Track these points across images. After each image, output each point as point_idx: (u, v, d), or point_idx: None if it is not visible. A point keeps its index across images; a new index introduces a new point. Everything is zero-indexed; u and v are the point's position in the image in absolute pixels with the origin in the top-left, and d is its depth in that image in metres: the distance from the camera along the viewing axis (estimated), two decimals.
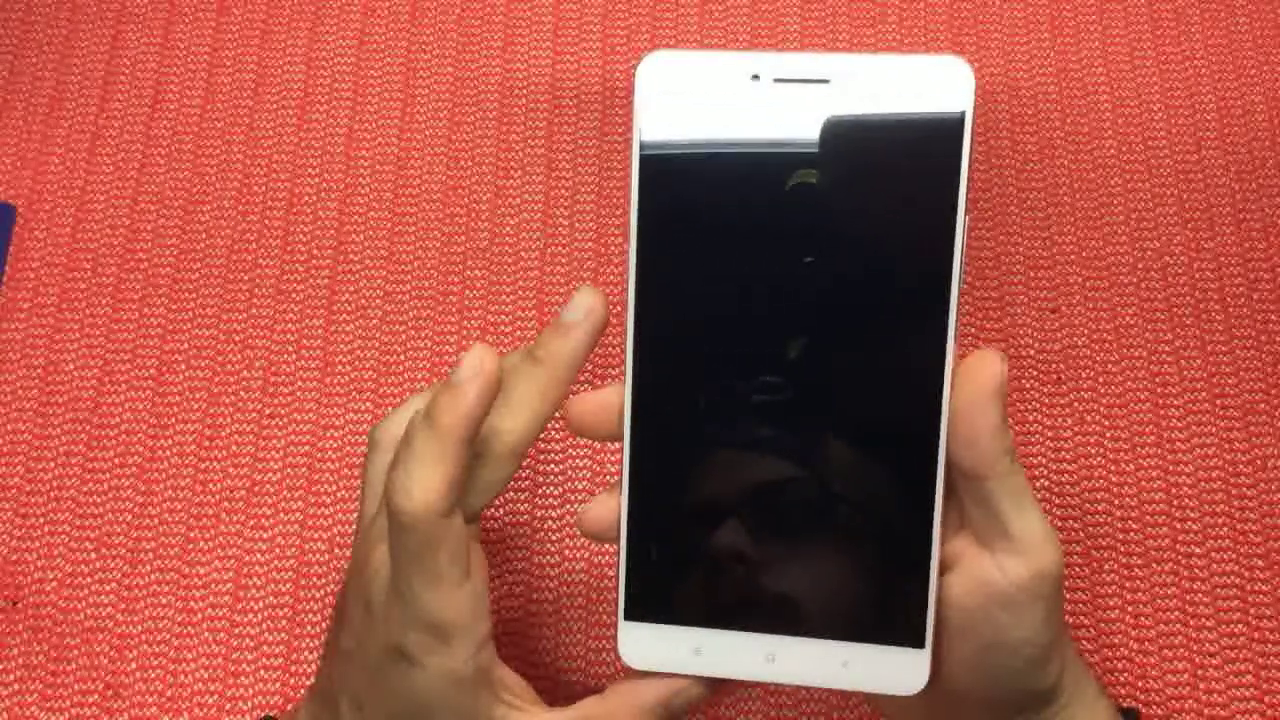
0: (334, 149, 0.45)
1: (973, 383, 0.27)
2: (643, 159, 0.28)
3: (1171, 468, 0.39)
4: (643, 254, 0.28)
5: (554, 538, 0.39)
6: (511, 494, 0.40)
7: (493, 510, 0.40)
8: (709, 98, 0.27)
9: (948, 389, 0.27)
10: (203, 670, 0.38)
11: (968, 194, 0.27)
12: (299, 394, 0.41)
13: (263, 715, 0.37)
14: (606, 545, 0.39)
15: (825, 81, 0.27)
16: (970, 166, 0.27)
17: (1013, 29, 0.45)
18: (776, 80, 0.27)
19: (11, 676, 0.38)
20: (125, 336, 0.42)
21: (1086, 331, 0.41)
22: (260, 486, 0.40)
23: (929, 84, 0.27)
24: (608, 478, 0.40)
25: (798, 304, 0.27)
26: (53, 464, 0.41)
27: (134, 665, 0.38)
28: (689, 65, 0.27)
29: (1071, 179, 0.43)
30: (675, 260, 0.28)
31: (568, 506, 0.40)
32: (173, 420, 0.41)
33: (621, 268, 0.43)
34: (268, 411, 0.41)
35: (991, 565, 0.27)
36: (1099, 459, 0.40)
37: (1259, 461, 0.39)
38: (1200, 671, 0.37)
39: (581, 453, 0.40)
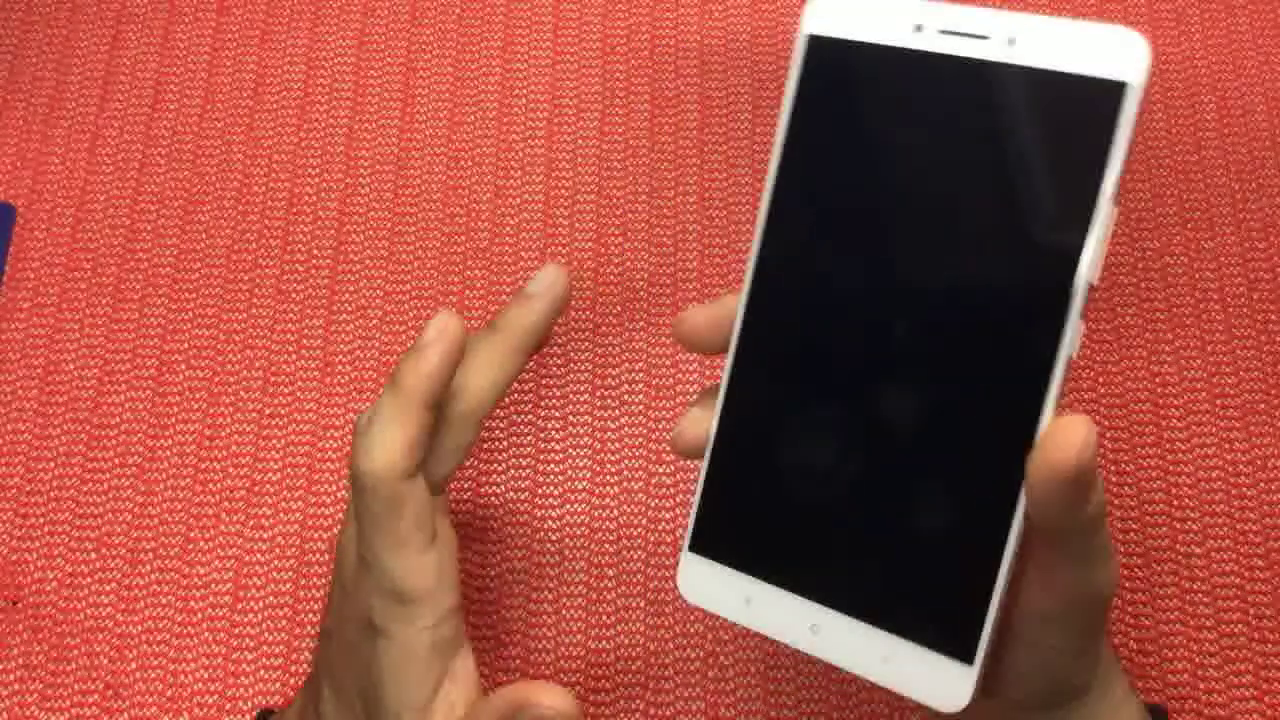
0: (334, 149, 0.45)
1: (1051, 454, 0.23)
2: (801, 84, 0.27)
3: (1171, 468, 0.39)
4: (783, 177, 0.28)
5: (554, 538, 0.39)
6: (511, 494, 0.40)
7: (492, 509, 0.40)
8: (871, 41, 0.27)
9: (1050, 405, 0.25)
10: (203, 670, 0.38)
11: (1119, 180, 0.25)
12: (299, 394, 0.41)
13: (260, 711, 0.37)
14: (605, 546, 0.39)
15: (986, 38, 0.26)
16: (1129, 150, 0.25)
17: None
18: (940, 32, 0.26)
19: (11, 676, 0.38)
20: (125, 336, 0.42)
21: (1086, 331, 0.41)
22: (260, 486, 0.40)
23: (1094, 53, 0.25)
24: (607, 477, 0.40)
25: (920, 262, 0.26)
26: (53, 464, 0.41)
27: (134, 665, 0.38)
28: (854, 9, 0.27)
29: None
30: (808, 195, 0.27)
31: (568, 507, 0.40)
32: (173, 420, 0.41)
33: (622, 267, 0.43)
34: (268, 411, 0.41)
35: (1035, 582, 0.26)
36: (1099, 459, 0.39)
37: (1259, 461, 0.39)
38: (1200, 671, 0.37)
39: (582, 453, 0.40)
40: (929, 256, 0.26)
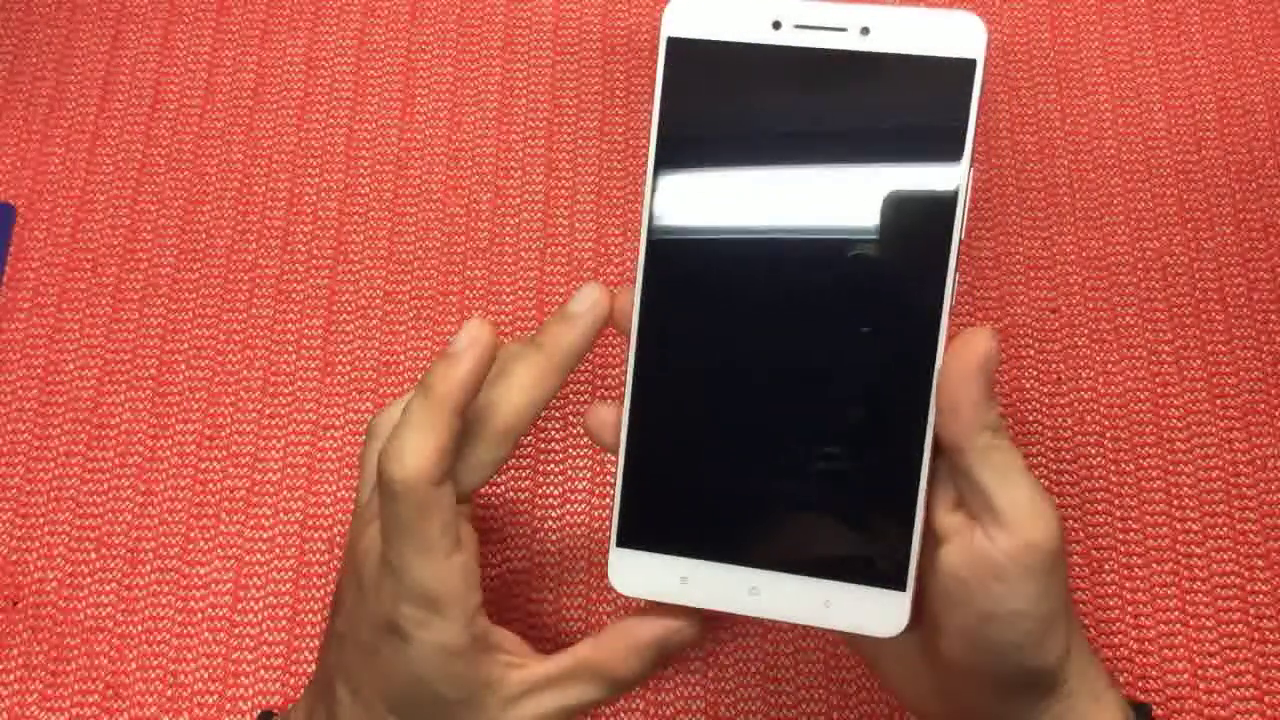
0: (334, 149, 0.45)
1: (959, 357, 0.27)
2: (666, 87, 0.29)
3: (1171, 468, 0.39)
4: (659, 174, 0.29)
5: (554, 538, 0.39)
6: (512, 494, 0.40)
7: (492, 510, 0.40)
8: (731, 40, 0.29)
9: (942, 341, 0.27)
10: (203, 670, 0.38)
11: (974, 148, 0.27)
12: (299, 394, 0.41)
13: (261, 712, 0.37)
14: (605, 546, 0.39)
15: (842, 30, 0.28)
16: (978, 122, 0.27)
17: (1013, 29, 0.45)
18: (797, 26, 0.28)
19: (11, 676, 0.38)
20: (125, 336, 0.42)
21: (1086, 331, 0.41)
22: (260, 486, 0.40)
23: (941, 35, 0.27)
24: (607, 477, 0.40)
25: (805, 240, 0.28)
26: (53, 464, 0.41)
27: (134, 665, 0.38)
28: (713, 9, 0.29)
29: (1071, 179, 0.43)
30: (687, 187, 0.29)
31: (568, 507, 0.40)
32: (173, 420, 0.41)
33: (622, 267, 0.43)
34: (268, 411, 0.41)
35: (982, 537, 0.27)
36: (1099, 459, 0.40)
37: (1259, 461, 0.39)
38: (1200, 671, 0.37)
39: (582, 453, 0.40)
40: (813, 233, 0.28)
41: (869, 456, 0.28)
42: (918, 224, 0.28)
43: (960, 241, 0.27)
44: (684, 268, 0.29)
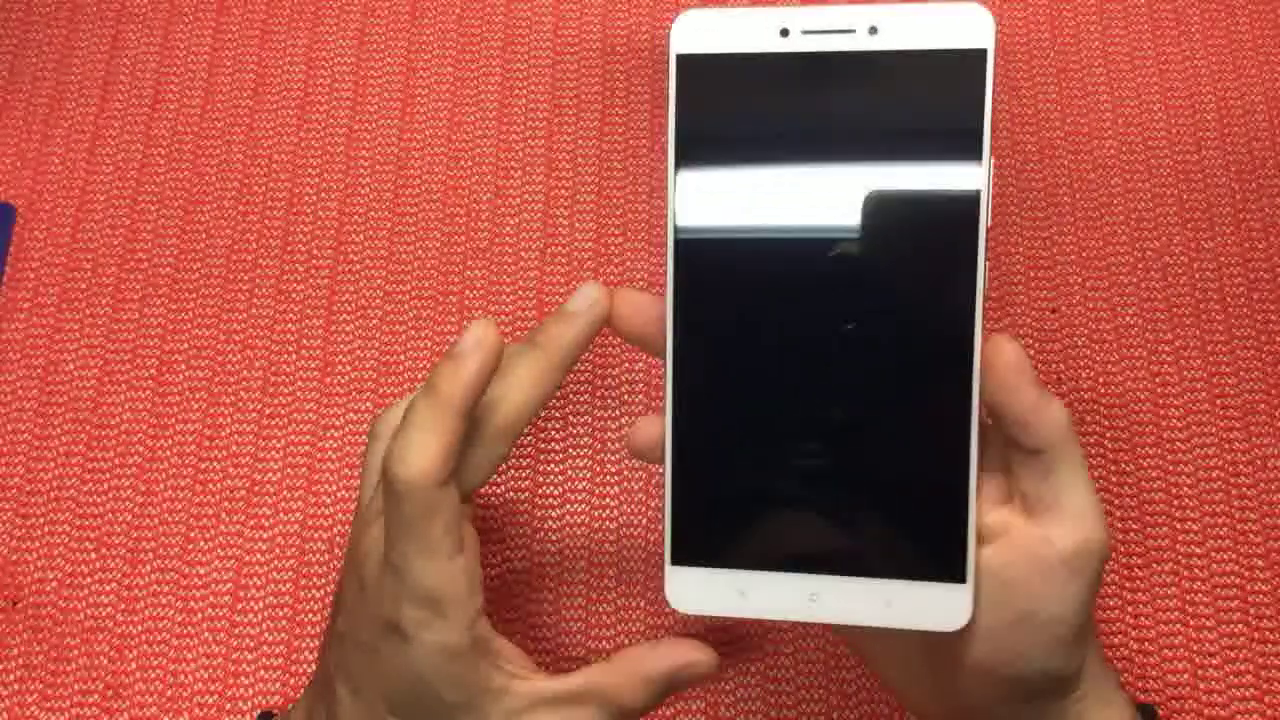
0: (334, 149, 0.45)
1: (994, 371, 0.27)
2: (679, 104, 0.29)
3: (1171, 468, 0.39)
4: (679, 199, 0.29)
5: (554, 538, 0.39)
6: (512, 494, 0.40)
7: (492, 510, 0.40)
8: (741, 51, 0.28)
9: (979, 332, 0.27)
10: (203, 670, 0.38)
11: (991, 135, 0.27)
12: (299, 394, 0.41)
13: (260, 712, 0.37)
14: (605, 546, 0.39)
15: (851, 31, 0.28)
16: (993, 108, 0.27)
17: (1013, 29, 0.45)
18: (805, 32, 0.28)
19: (11, 676, 0.38)
20: (125, 336, 0.42)
21: (1086, 331, 0.41)
22: (260, 486, 0.40)
23: (949, 28, 0.27)
24: (607, 477, 0.40)
25: (836, 243, 0.28)
26: (53, 464, 0.41)
27: (134, 665, 0.38)
28: (720, 23, 0.28)
29: (1071, 179, 0.43)
30: (712, 203, 0.29)
31: (568, 507, 0.40)
32: (173, 420, 0.41)
33: (622, 267, 0.43)
34: (268, 411, 0.41)
35: (1038, 535, 0.27)
36: (1099, 459, 0.40)
37: (1259, 461, 0.39)
38: (1200, 671, 0.37)
39: (582, 453, 0.40)
40: (844, 234, 0.28)
41: (919, 451, 0.28)
42: (946, 214, 0.28)
43: (987, 229, 0.28)
44: (716, 280, 0.29)
